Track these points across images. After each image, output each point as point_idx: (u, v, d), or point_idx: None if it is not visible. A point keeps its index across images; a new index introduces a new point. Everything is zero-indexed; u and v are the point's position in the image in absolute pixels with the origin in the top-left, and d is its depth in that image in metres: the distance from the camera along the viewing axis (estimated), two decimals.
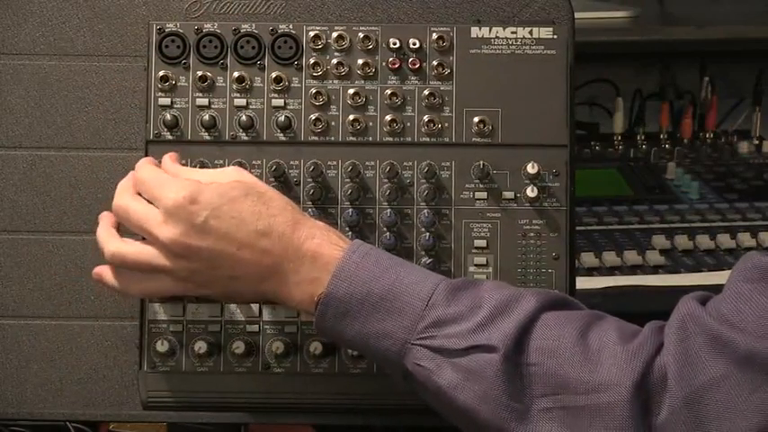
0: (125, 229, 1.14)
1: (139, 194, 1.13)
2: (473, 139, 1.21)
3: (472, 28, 1.22)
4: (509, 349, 1.02)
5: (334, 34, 1.21)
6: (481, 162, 1.20)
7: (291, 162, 1.21)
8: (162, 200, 1.09)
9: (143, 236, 1.11)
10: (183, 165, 1.18)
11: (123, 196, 1.13)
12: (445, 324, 1.05)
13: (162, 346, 1.18)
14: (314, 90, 1.21)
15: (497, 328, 1.04)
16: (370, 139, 1.21)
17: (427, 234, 1.20)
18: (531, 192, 1.20)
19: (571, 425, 1.01)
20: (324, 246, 1.09)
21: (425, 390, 1.06)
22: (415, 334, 1.05)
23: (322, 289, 1.07)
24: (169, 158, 1.17)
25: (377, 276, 1.07)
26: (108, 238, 1.13)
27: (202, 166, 1.19)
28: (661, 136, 1.93)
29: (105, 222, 1.15)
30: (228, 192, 1.09)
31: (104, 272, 1.15)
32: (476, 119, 1.21)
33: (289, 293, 1.10)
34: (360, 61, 1.21)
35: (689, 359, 0.98)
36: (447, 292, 1.06)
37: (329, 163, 1.20)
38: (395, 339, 1.06)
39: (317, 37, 1.21)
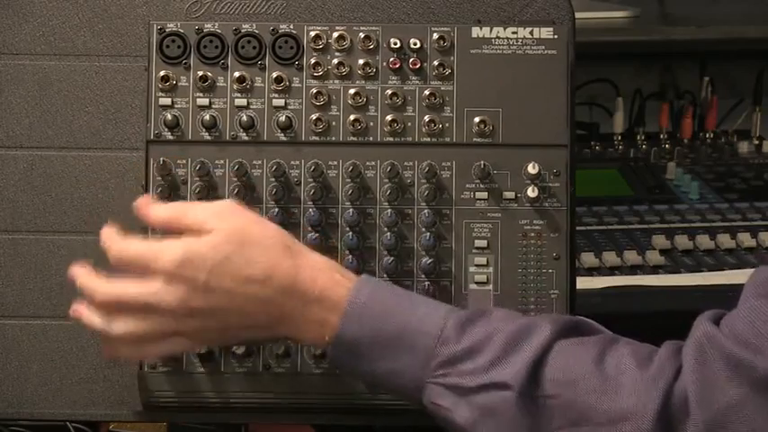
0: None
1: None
2: (474, 139, 1.21)
3: (473, 28, 1.22)
4: (523, 385, 1.02)
5: (335, 34, 1.21)
6: (482, 162, 1.20)
7: (292, 162, 1.20)
8: (157, 270, 1.06)
9: (146, 307, 1.08)
10: (183, 168, 1.18)
11: (106, 289, 1.08)
12: (458, 361, 1.04)
13: None
14: (314, 90, 1.21)
15: (510, 362, 1.03)
16: (371, 139, 1.21)
17: (428, 234, 1.20)
18: (531, 192, 1.20)
19: None
20: (328, 287, 1.08)
21: (446, 425, 1.06)
22: (429, 372, 1.05)
23: (332, 331, 1.07)
24: (153, 208, 1.11)
25: (385, 315, 1.07)
26: (107, 322, 1.08)
27: (202, 166, 1.19)
28: (661, 136, 1.93)
29: (84, 272, 1.10)
30: (222, 247, 1.06)
31: (119, 349, 1.11)
32: (476, 119, 1.21)
33: (301, 335, 1.10)
34: (360, 61, 1.21)
35: (708, 384, 0.97)
36: (457, 325, 1.05)
37: (330, 163, 1.20)
38: (409, 378, 1.06)
39: (317, 37, 1.21)
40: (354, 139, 1.21)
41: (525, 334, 1.04)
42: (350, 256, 1.19)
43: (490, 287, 1.20)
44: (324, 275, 1.08)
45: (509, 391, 1.02)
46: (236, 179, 1.19)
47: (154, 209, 1.11)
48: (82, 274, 1.10)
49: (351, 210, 1.19)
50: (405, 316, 1.06)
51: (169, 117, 1.20)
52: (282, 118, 1.20)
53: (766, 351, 0.95)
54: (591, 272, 1.56)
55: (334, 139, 1.21)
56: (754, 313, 0.97)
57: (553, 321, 1.06)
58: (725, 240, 1.62)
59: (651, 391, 0.99)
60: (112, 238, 1.10)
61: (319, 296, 1.07)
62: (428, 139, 1.21)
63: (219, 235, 1.07)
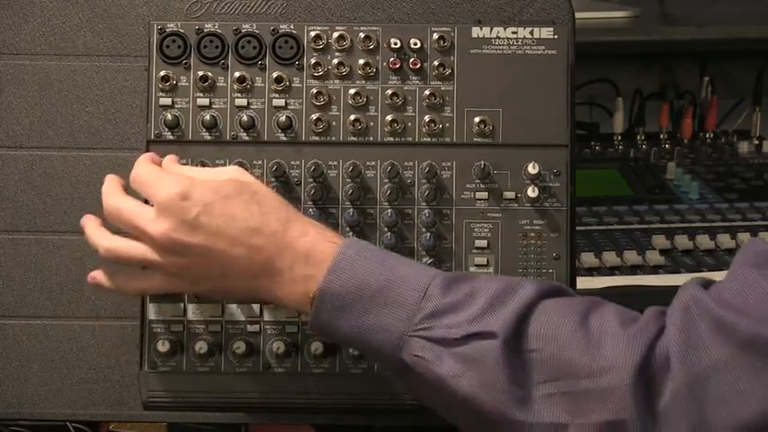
0: (115, 229, 1.14)
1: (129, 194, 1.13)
2: (474, 139, 1.21)
3: (473, 28, 1.22)
4: (508, 335, 1.02)
5: (335, 34, 1.21)
6: (482, 162, 1.20)
7: (292, 162, 1.21)
8: (155, 196, 1.10)
9: (136, 234, 1.11)
10: (185, 165, 1.19)
11: (113, 197, 1.13)
12: (443, 314, 1.05)
13: (162, 346, 1.18)
14: (315, 90, 1.21)
15: (496, 315, 1.03)
16: (371, 139, 1.21)
17: (428, 234, 1.20)
18: (531, 192, 1.20)
19: (573, 410, 1.00)
20: (317, 243, 1.09)
21: (424, 382, 1.06)
22: (413, 326, 1.05)
23: (316, 285, 1.07)
24: (169, 160, 1.17)
25: (372, 270, 1.07)
26: (101, 236, 1.13)
27: (203, 165, 1.19)
28: (661, 136, 1.93)
29: (92, 223, 1.15)
30: (221, 189, 1.09)
31: (99, 275, 1.15)
32: (476, 119, 1.21)
33: (282, 291, 1.09)
34: (361, 61, 1.21)
35: (692, 343, 0.98)
36: (443, 283, 1.06)
37: (330, 163, 1.20)
38: (391, 332, 1.05)
39: (317, 37, 1.21)
40: (354, 139, 1.21)
41: (510, 291, 1.05)
42: None
43: None
44: (314, 231, 1.09)
45: (494, 339, 1.02)
46: None
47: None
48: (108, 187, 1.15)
49: (351, 210, 1.19)
50: (391, 272, 1.07)
51: (169, 117, 1.20)
52: (282, 118, 1.20)
53: (751, 314, 0.96)
54: (591, 272, 1.56)
55: (334, 139, 1.21)
56: (741, 282, 0.98)
57: (537, 283, 1.06)
58: (725, 240, 1.62)
59: (633, 346, 0.99)
60: (106, 188, 1.15)
61: (307, 252, 1.08)
62: (428, 139, 1.21)
63: (219, 181, 1.10)
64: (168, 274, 1.11)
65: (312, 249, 1.08)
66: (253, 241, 1.08)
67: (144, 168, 1.13)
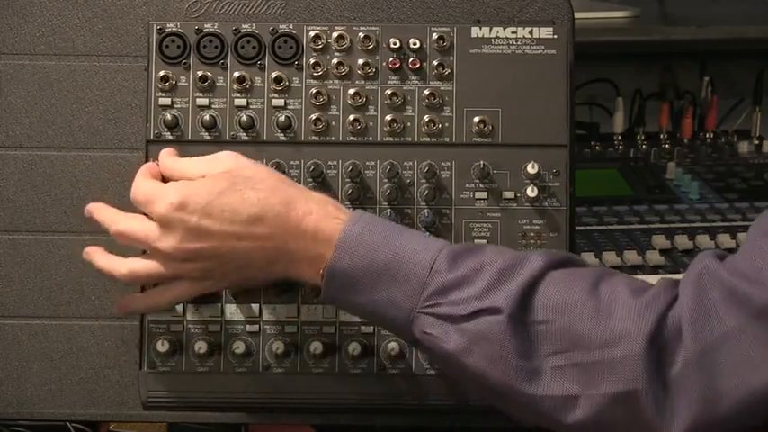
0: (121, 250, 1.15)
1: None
2: (473, 138, 1.21)
3: (472, 28, 1.22)
4: (514, 309, 1.02)
5: (335, 34, 1.21)
6: (481, 162, 1.20)
7: (292, 162, 1.21)
8: (154, 213, 1.11)
9: (149, 251, 1.13)
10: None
11: (115, 224, 1.14)
12: (450, 290, 1.05)
13: (162, 346, 1.18)
14: (314, 90, 1.21)
15: (502, 289, 1.03)
16: (371, 139, 1.21)
17: (428, 234, 1.20)
18: (531, 192, 1.20)
19: (584, 381, 1.00)
20: (322, 221, 1.09)
21: (434, 356, 1.07)
22: (421, 302, 1.05)
23: (325, 263, 1.08)
24: (166, 154, 1.17)
25: (379, 246, 1.07)
26: (114, 264, 1.14)
27: None
28: (661, 136, 1.93)
29: (99, 255, 1.16)
30: (215, 187, 1.10)
31: (132, 301, 1.17)
32: (476, 119, 1.21)
33: (298, 271, 1.10)
34: (360, 61, 1.21)
35: (704, 312, 0.97)
36: (450, 257, 1.06)
37: (329, 163, 1.20)
38: (401, 308, 1.06)
39: (317, 37, 1.21)
40: (354, 139, 1.21)
41: (518, 265, 1.04)
42: None
43: None
44: (318, 209, 1.09)
45: (500, 314, 1.02)
46: None
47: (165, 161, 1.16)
48: (98, 208, 1.16)
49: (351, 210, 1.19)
50: (398, 247, 1.07)
51: (169, 117, 1.20)
52: (282, 118, 1.20)
53: (765, 283, 0.95)
54: None
55: (333, 139, 1.21)
56: (755, 251, 0.97)
57: (546, 254, 1.06)
58: (725, 240, 1.62)
59: (645, 315, 0.99)
60: (107, 214, 1.16)
61: (314, 231, 1.08)
62: (428, 139, 1.21)
63: (211, 178, 1.10)
64: (193, 279, 1.12)
65: (318, 227, 1.08)
66: (258, 231, 1.09)
67: (139, 187, 1.13)
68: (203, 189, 1.09)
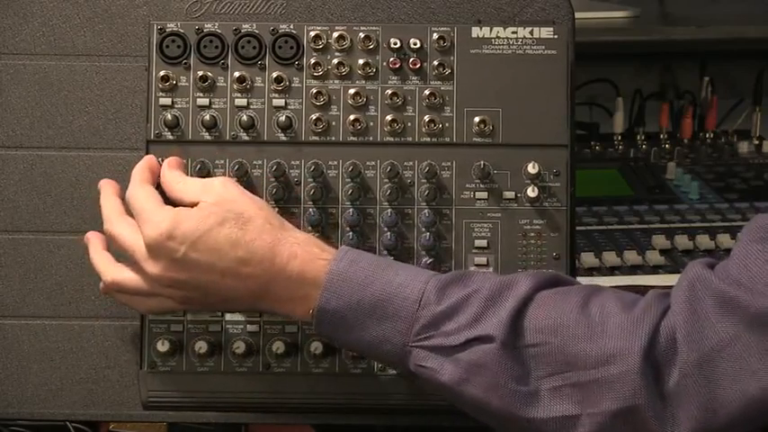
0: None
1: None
2: (474, 138, 1.21)
3: (473, 28, 1.22)
4: (505, 335, 1.02)
5: (335, 34, 1.21)
6: (482, 162, 1.20)
7: (292, 162, 1.21)
8: (143, 233, 1.10)
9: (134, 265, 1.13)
10: (184, 164, 1.18)
11: (110, 223, 1.14)
12: (440, 322, 1.05)
13: (162, 346, 1.18)
14: (315, 90, 1.21)
15: (492, 316, 1.03)
16: (371, 138, 1.21)
17: (428, 234, 1.20)
18: (531, 192, 1.20)
19: (583, 400, 1.00)
20: (307, 263, 1.09)
21: (432, 388, 1.07)
22: (412, 336, 1.05)
23: (314, 304, 1.08)
24: (169, 166, 1.17)
25: (365, 284, 1.07)
26: (105, 267, 1.14)
27: (203, 166, 1.19)
28: (661, 136, 1.93)
29: (96, 246, 1.16)
30: (205, 222, 1.09)
31: (114, 295, 1.16)
32: (476, 119, 1.21)
33: (284, 309, 1.11)
34: (360, 61, 1.21)
35: (698, 322, 0.97)
36: (438, 288, 1.06)
37: (330, 163, 1.20)
38: (394, 343, 1.06)
39: (317, 37, 1.21)
40: (354, 138, 1.21)
41: (505, 289, 1.04)
42: None
43: None
44: (303, 251, 1.09)
45: (492, 343, 1.02)
46: (236, 179, 1.19)
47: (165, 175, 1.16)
48: (105, 195, 1.16)
49: (351, 210, 1.19)
50: (384, 283, 1.07)
51: (169, 117, 1.20)
52: (282, 118, 1.20)
53: (758, 290, 0.95)
54: (591, 272, 1.56)
55: (334, 139, 1.21)
56: (747, 256, 0.97)
57: (533, 275, 1.06)
58: (725, 240, 1.62)
59: (637, 330, 0.99)
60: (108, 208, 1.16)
61: (299, 274, 1.08)
62: (428, 139, 1.21)
63: (203, 210, 1.10)
64: (176, 300, 1.12)
65: (303, 271, 1.08)
66: (243, 271, 1.09)
67: (134, 195, 1.13)
68: (193, 221, 1.09)
